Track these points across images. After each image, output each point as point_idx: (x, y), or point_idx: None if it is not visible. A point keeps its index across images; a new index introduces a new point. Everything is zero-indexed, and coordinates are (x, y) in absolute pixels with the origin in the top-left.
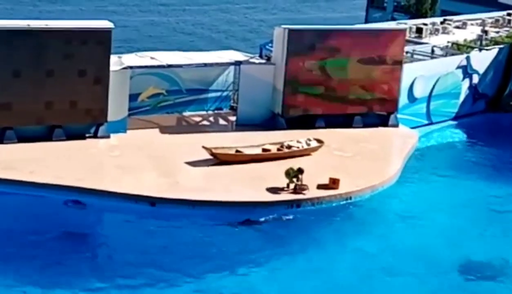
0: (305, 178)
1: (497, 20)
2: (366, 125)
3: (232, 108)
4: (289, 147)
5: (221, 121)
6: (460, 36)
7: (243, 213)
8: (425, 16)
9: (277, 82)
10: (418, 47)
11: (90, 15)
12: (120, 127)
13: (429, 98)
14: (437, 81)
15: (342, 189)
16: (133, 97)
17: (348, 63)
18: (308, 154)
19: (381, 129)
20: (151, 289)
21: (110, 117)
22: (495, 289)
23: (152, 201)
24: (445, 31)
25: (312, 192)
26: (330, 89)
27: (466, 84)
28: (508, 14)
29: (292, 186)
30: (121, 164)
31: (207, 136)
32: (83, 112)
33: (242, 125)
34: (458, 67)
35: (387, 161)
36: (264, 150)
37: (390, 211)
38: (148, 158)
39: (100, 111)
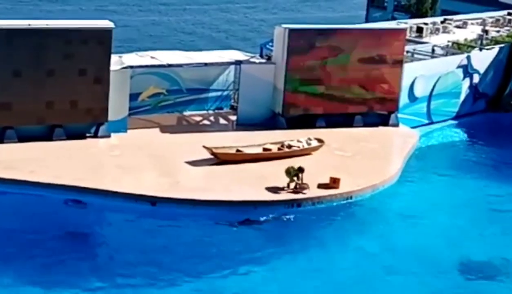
0: (306, 178)
1: (497, 20)
2: (366, 124)
3: (232, 107)
4: (289, 146)
5: (222, 121)
6: (460, 35)
7: (243, 212)
8: (425, 16)
9: (278, 82)
10: (418, 47)
11: (91, 15)
12: (121, 126)
13: (430, 97)
14: (437, 80)
15: (343, 188)
16: (133, 97)
17: (348, 62)
18: (309, 154)
19: (381, 129)
20: (151, 289)
21: (111, 117)
22: (495, 289)
23: (153, 200)
24: (445, 31)
25: (312, 192)
26: (330, 88)
27: (466, 83)
28: (509, 14)
29: (292, 185)
30: (121, 164)
31: (207, 136)
32: (83, 111)
33: (243, 125)
34: (459, 67)
35: (388, 160)
36: (264, 149)
37: (391, 211)
38: (148, 157)
39: (100, 110)
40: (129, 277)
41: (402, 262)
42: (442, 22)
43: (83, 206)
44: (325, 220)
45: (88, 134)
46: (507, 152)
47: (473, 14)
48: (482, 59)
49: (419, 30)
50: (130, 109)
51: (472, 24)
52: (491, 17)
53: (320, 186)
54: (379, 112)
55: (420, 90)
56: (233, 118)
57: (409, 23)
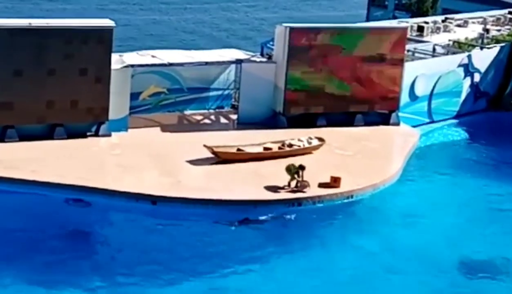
0: (307, 177)
1: (498, 19)
2: (367, 123)
3: (233, 106)
4: (290, 145)
5: (223, 120)
6: (461, 34)
7: (244, 211)
8: (426, 15)
9: (279, 81)
10: (419, 46)
11: (91, 14)
12: (121, 125)
13: (431, 96)
14: (438, 79)
15: (344, 187)
16: (134, 96)
17: (349, 61)
18: (310, 153)
19: (382, 128)
20: (151, 288)
21: (111, 116)
22: (495, 288)
23: (153, 199)
24: (446, 30)
25: (313, 191)
26: (331, 87)
27: (467, 82)
28: (510, 13)
29: (293, 184)
30: (122, 163)
31: (208, 135)
32: (84, 111)
33: (243, 124)
34: (460, 66)
35: (388, 159)
36: (265, 148)
37: (391, 210)
38: (149, 156)
39: (101, 109)
40: (129, 276)
41: (403, 261)
42: (443, 21)
43: (84, 205)
44: (325, 219)
45: (89, 133)
46: (507, 152)
47: (474, 13)
48: (483, 58)
49: (420, 29)
50: (131, 108)
51: (473, 23)
52: (492, 16)
53: (321, 185)
54: (380, 111)
55: (421, 89)
56: (234, 117)
57: (410, 22)
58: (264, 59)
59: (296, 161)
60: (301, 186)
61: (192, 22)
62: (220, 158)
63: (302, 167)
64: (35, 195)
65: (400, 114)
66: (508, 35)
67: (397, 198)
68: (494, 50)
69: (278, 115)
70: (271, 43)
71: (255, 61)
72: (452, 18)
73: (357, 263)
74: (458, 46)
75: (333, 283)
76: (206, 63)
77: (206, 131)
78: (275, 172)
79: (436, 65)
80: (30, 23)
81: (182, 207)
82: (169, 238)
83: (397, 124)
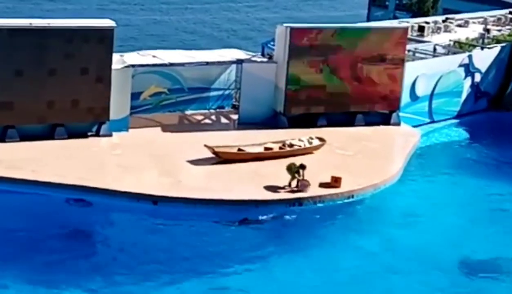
0: (307, 177)
1: (499, 19)
2: (368, 123)
3: (234, 106)
4: (291, 145)
5: (223, 120)
6: (462, 34)
7: (244, 211)
8: (427, 15)
9: (279, 81)
10: (420, 46)
11: (92, 14)
12: (122, 125)
13: (431, 96)
14: (439, 79)
15: (344, 187)
16: (135, 96)
17: (350, 61)
18: (310, 153)
19: (383, 128)
20: (152, 288)
21: (112, 116)
22: (496, 288)
23: (154, 199)
24: (447, 30)
25: (314, 191)
26: (332, 87)
27: (468, 82)
28: (510, 13)
29: (294, 184)
30: (123, 163)
31: (209, 135)
32: (85, 110)
33: (244, 124)
34: (460, 66)
35: (389, 159)
36: (266, 148)
37: (392, 210)
38: (150, 156)
39: (102, 109)
40: (130, 276)
41: (403, 261)
42: (443, 21)
43: (84, 205)
44: (326, 219)
45: (89, 133)
46: (508, 151)
47: (474, 13)
48: (484, 58)
49: (421, 29)
50: (131, 108)
51: (474, 23)
52: (492, 16)
53: (322, 185)
54: (380, 111)
55: (422, 89)
56: (235, 117)
57: (410, 22)
58: (264, 59)
59: (297, 161)
60: (302, 185)
61: (193, 22)
62: (221, 158)
63: (303, 166)
64: (35, 195)
65: (400, 114)
66: (508, 35)
67: (397, 198)
68: (495, 50)
69: (278, 115)
70: (271, 43)
71: (255, 61)
72: (452, 18)
73: (357, 263)
74: (459, 46)
75: (333, 283)
76: (207, 63)
77: (207, 131)
78: (276, 172)
79: (437, 65)
80: (30, 23)
81: (183, 207)
82: (169, 238)
83: (398, 124)
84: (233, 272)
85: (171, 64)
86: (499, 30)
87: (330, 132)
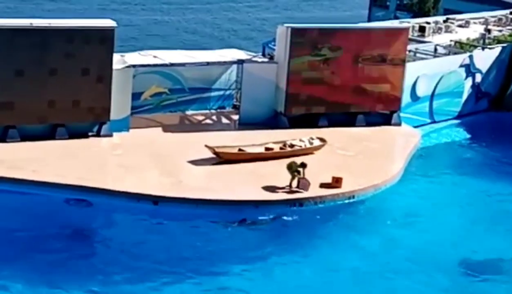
0: (308, 177)
1: (500, 19)
2: (369, 124)
3: (234, 106)
4: (291, 146)
5: (224, 120)
6: (463, 34)
7: (245, 212)
8: (428, 15)
9: (280, 81)
10: (421, 46)
11: (93, 14)
12: (123, 125)
13: (432, 97)
14: (440, 80)
15: (345, 188)
16: (135, 96)
17: (350, 61)
18: (311, 153)
19: (384, 128)
20: (152, 288)
21: (113, 116)
22: (497, 288)
23: (155, 200)
24: (448, 30)
25: (314, 191)
26: (333, 87)
27: (469, 83)
28: (511, 13)
29: (294, 184)
30: (123, 163)
31: (209, 135)
32: (85, 110)
33: (245, 124)
34: (461, 66)
35: (390, 160)
36: (267, 149)
37: (393, 210)
38: (150, 157)
39: (102, 109)
40: (130, 276)
41: (404, 261)
42: (444, 22)
43: (85, 205)
44: (327, 219)
45: (90, 133)
46: (509, 152)
47: (475, 14)
48: (485, 59)
49: (422, 29)
50: (132, 108)
51: (475, 23)
52: (493, 16)
53: (322, 185)
54: (381, 112)
55: (423, 90)
56: (235, 117)
57: (411, 22)
58: (265, 60)
59: (298, 161)
60: (302, 184)
61: (193, 22)
62: (222, 158)
63: (303, 165)
64: (36, 195)
65: (401, 114)
66: (509, 35)
67: (398, 199)
68: (496, 50)
69: (279, 115)
70: (272, 43)
71: (256, 61)
72: (453, 19)
73: (358, 263)
74: (460, 47)
75: (334, 283)
76: (208, 64)
77: (208, 131)
78: (276, 172)
79: (438, 66)
80: (31, 23)
81: (184, 207)
82: (170, 238)
83: (399, 124)
84: (233, 272)
85: (172, 64)
86: (500, 31)
87: (331, 133)
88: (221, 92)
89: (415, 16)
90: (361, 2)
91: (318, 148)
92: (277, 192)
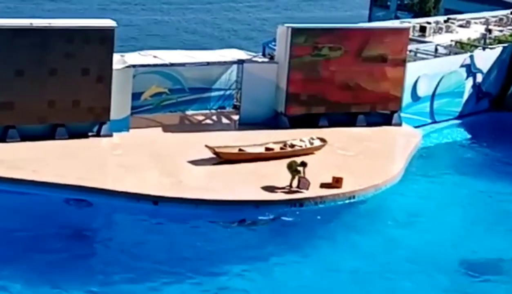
0: (308, 177)
1: (501, 19)
2: (369, 124)
3: (235, 107)
4: (292, 146)
5: (224, 120)
6: (463, 34)
7: (245, 212)
8: (428, 15)
9: (280, 81)
10: (421, 46)
11: (93, 14)
12: (123, 126)
13: (433, 97)
14: (440, 80)
15: (345, 188)
16: (135, 96)
17: (351, 61)
18: (311, 153)
19: (384, 128)
20: (152, 288)
21: (113, 116)
22: (498, 288)
23: (155, 200)
24: (448, 30)
25: (315, 191)
26: (333, 88)
27: (469, 83)
28: None
29: (295, 184)
30: (123, 163)
31: (210, 135)
32: (85, 110)
33: (245, 124)
34: (462, 66)
35: (391, 160)
36: (267, 149)
37: (394, 210)
38: (150, 157)
39: (102, 109)
40: (130, 276)
41: (404, 261)
42: (445, 22)
43: (85, 206)
44: (327, 219)
45: (90, 133)
46: (510, 152)
47: (476, 14)
48: (486, 59)
49: (422, 29)
50: (132, 108)
51: (475, 23)
52: (494, 16)
53: (323, 185)
54: (382, 112)
55: (423, 90)
56: (236, 117)
57: (412, 22)
58: (266, 60)
59: (298, 161)
60: (302, 183)
61: (194, 22)
62: (222, 158)
63: (304, 164)
64: (36, 195)
65: (402, 114)
66: (510, 35)
67: (399, 199)
68: (497, 50)
69: (280, 115)
70: (273, 43)
71: (257, 61)
72: (454, 19)
73: (358, 263)
74: (461, 47)
75: (334, 283)
76: (208, 64)
77: (208, 132)
78: (277, 172)
79: (438, 66)
80: (31, 23)
81: (184, 207)
82: (170, 238)
83: (399, 124)
84: (233, 272)
85: (172, 64)
86: (501, 31)
87: (331, 133)
88: (221, 92)
89: (415, 16)
90: (361, 2)
91: (318, 148)
92: (277, 192)
